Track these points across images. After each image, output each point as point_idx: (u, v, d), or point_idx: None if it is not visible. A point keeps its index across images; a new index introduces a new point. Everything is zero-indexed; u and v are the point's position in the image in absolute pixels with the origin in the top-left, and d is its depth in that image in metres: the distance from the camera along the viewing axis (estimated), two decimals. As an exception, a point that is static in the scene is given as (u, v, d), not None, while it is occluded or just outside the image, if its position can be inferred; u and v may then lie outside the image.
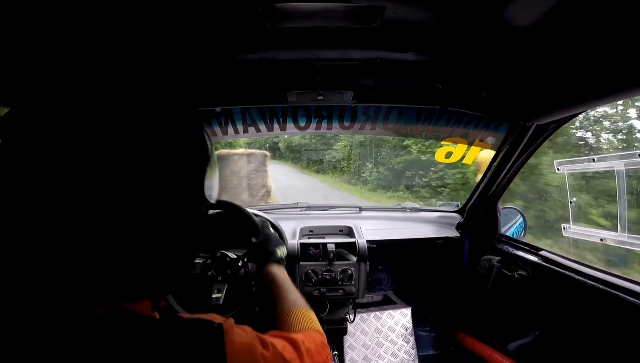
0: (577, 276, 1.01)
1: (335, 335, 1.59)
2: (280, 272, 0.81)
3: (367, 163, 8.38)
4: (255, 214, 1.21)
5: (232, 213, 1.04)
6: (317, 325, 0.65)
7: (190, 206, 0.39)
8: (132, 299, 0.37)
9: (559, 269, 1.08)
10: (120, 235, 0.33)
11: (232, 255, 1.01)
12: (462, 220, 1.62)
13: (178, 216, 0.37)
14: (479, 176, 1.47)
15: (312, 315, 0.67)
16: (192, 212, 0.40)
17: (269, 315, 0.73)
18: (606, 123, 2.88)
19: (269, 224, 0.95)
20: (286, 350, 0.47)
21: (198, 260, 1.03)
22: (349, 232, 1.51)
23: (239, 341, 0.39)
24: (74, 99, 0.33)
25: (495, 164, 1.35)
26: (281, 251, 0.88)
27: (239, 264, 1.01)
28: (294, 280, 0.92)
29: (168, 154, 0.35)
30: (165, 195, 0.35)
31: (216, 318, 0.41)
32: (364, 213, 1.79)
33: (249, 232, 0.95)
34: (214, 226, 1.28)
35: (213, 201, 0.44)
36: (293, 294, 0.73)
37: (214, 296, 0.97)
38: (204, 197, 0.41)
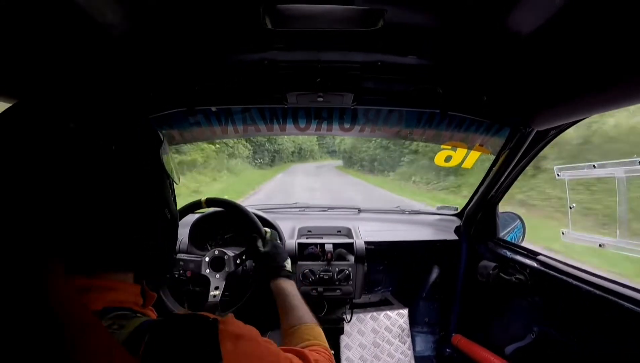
0: (574, 282, 1.01)
1: (332, 334, 1.60)
2: (288, 286, 0.81)
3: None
4: (265, 220, 1.20)
5: (234, 214, 1.04)
6: (324, 340, 0.64)
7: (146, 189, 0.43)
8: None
9: (556, 274, 1.09)
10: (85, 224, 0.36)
11: (230, 253, 1.01)
12: (461, 224, 1.62)
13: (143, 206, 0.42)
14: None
15: (319, 330, 0.66)
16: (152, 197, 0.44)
17: (268, 316, 0.73)
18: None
19: (277, 236, 0.96)
20: (295, 361, 0.47)
21: (195, 258, 1.03)
22: (347, 233, 1.51)
23: (235, 332, 0.39)
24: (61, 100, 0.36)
25: (495, 168, 1.34)
26: (289, 265, 0.90)
27: (237, 262, 1.01)
28: None
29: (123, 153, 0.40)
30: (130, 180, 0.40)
31: (211, 315, 0.41)
32: (363, 215, 1.79)
33: (252, 236, 0.96)
34: (212, 224, 1.28)
35: (177, 181, 0.50)
36: (300, 310, 0.72)
37: (211, 293, 0.97)
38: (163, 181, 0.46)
